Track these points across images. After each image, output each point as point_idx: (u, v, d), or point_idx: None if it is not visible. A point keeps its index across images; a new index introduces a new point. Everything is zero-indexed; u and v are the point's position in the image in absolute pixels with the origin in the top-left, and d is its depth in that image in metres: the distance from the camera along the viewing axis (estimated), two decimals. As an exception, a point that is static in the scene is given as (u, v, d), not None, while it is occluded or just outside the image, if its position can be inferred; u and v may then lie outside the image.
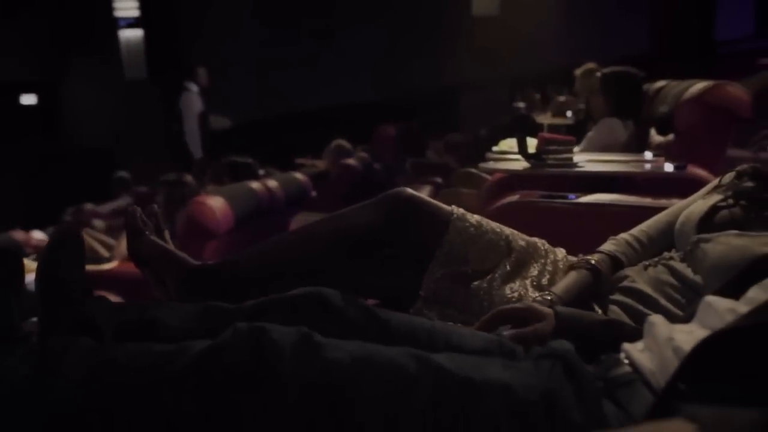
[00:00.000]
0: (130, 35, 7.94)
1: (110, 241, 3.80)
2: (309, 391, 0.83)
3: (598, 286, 1.34)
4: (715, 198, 1.30)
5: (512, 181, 2.54)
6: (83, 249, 1.17)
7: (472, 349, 0.99)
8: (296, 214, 4.63)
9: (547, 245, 1.44)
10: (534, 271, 1.38)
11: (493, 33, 7.83)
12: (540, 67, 7.58)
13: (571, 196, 1.98)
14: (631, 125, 3.04)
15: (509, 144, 2.73)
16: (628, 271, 1.33)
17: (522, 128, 3.88)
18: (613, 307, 1.30)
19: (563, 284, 1.33)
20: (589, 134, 3.06)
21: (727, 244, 1.17)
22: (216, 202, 3.23)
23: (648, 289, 1.26)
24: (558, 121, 3.51)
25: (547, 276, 1.38)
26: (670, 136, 2.82)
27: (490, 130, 5.47)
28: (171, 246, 1.41)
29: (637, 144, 2.98)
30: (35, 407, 0.87)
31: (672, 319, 1.23)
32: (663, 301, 1.23)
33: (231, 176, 4.10)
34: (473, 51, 7.83)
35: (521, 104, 4.74)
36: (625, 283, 1.30)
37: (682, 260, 1.27)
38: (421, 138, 5.50)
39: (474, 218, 1.42)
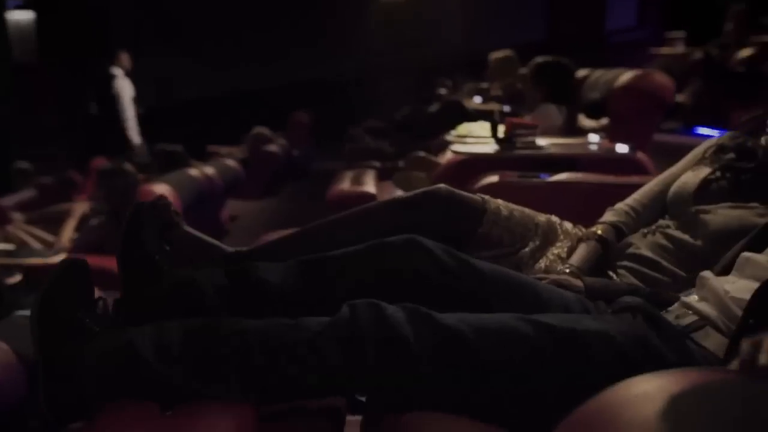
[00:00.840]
0: (20, 17, 7.47)
1: (41, 233, 3.64)
2: (438, 357, 0.94)
3: (607, 254, 1.48)
4: (705, 171, 1.47)
5: (473, 163, 2.70)
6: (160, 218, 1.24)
7: (558, 303, 1.12)
8: (227, 200, 4.62)
9: (558, 219, 1.59)
10: (557, 244, 1.52)
11: (398, 18, 8.01)
12: (444, 53, 7.85)
13: (543, 175, 2.16)
14: (565, 110, 3.28)
15: (468, 129, 2.90)
16: (631, 239, 1.48)
17: (454, 115, 4.07)
18: (622, 272, 1.47)
19: (578, 256, 1.46)
20: (528, 117, 3.27)
21: (726, 215, 1.36)
22: (164, 191, 3.19)
23: (652, 255, 1.41)
24: (489, 106, 3.71)
25: (566, 249, 1.52)
26: (603, 120, 3.08)
27: (410, 115, 5.63)
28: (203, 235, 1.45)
29: (569, 128, 3.23)
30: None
31: (677, 279, 1.42)
32: (666, 264, 1.40)
33: (164, 164, 4.03)
34: (380, 37, 7.97)
35: (443, 90, 4.94)
36: (631, 250, 1.45)
37: (678, 228, 1.43)
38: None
39: (500, 202, 1.53)
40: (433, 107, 4.53)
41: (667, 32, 6.37)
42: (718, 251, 1.29)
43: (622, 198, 1.68)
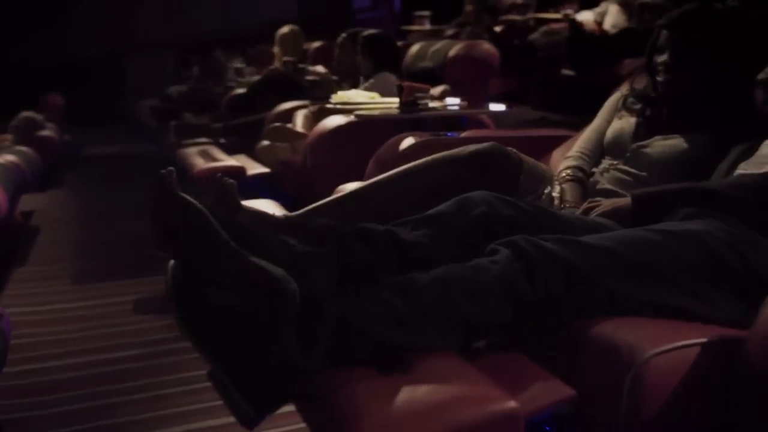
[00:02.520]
0: None
1: None
2: (599, 270, 1.14)
3: (585, 189, 1.81)
4: (632, 119, 1.84)
5: (352, 130, 2.88)
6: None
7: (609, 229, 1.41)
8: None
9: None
10: (556, 187, 1.81)
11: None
12: (200, 32, 7.68)
13: (450, 133, 2.44)
14: (396, 78, 3.60)
15: (348, 95, 3.04)
16: (594, 177, 1.81)
17: (282, 87, 4.14)
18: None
19: (572, 196, 1.77)
20: (365, 86, 3.52)
21: (662, 145, 1.73)
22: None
23: (614, 187, 1.74)
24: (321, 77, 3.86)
25: (558, 191, 1.81)
26: (441, 87, 3.46)
27: (186, 94, 5.52)
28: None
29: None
30: None
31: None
32: (628, 193, 1.65)
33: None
34: (130, 16, 7.51)
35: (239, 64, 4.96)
36: (598, 186, 1.77)
37: (625, 164, 1.76)
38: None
39: (522, 155, 1.74)
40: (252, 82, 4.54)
41: (415, 11, 7.05)
42: (662, 176, 1.65)
43: (522, 149, 2.01)
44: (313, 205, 1.57)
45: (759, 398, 0.98)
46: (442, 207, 1.35)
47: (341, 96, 2.98)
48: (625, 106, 1.90)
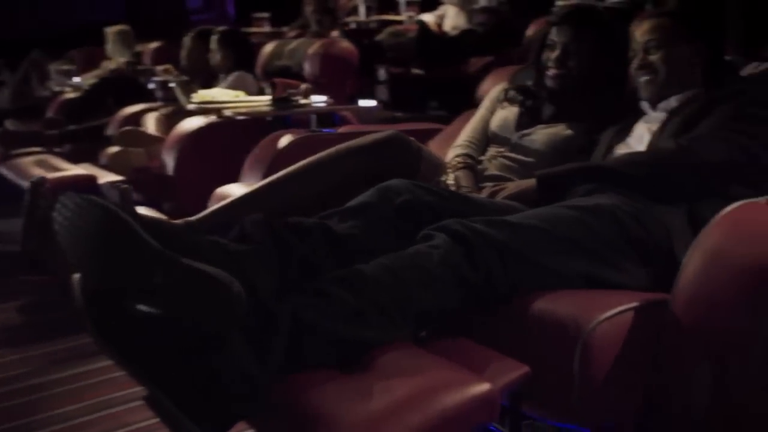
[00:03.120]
0: None
1: None
2: (528, 246, 1.18)
3: (476, 175, 1.88)
4: (514, 109, 1.95)
5: (217, 130, 2.76)
6: None
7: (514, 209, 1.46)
8: None
9: None
10: (449, 175, 1.84)
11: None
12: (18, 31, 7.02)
13: (326, 130, 2.41)
14: (252, 77, 3.50)
15: (211, 94, 2.88)
16: (483, 165, 1.89)
17: (126, 89, 3.88)
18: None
19: (466, 180, 1.83)
20: (222, 86, 3.38)
21: (545, 133, 1.85)
22: None
23: (503, 173, 1.84)
24: (171, 77, 3.65)
25: (452, 178, 1.85)
26: (304, 85, 3.40)
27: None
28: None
29: (259, 92, 3.47)
30: None
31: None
32: (515, 178, 1.80)
33: None
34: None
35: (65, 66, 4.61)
36: (487, 173, 1.86)
37: (512, 151, 1.87)
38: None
39: (420, 144, 1.75)
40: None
41: (254, 13, 6.91)
42: (546, 161, 1.77)
43: None
44: (214, 207, 1.48)
45: (684, 353, 1.05)
46: (363, 197, 1.32)
47: (203, 95, 2.84)
48: (506, 98, 1.99)
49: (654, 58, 1.70)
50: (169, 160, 2.84)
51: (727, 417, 1.01)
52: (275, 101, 2.50)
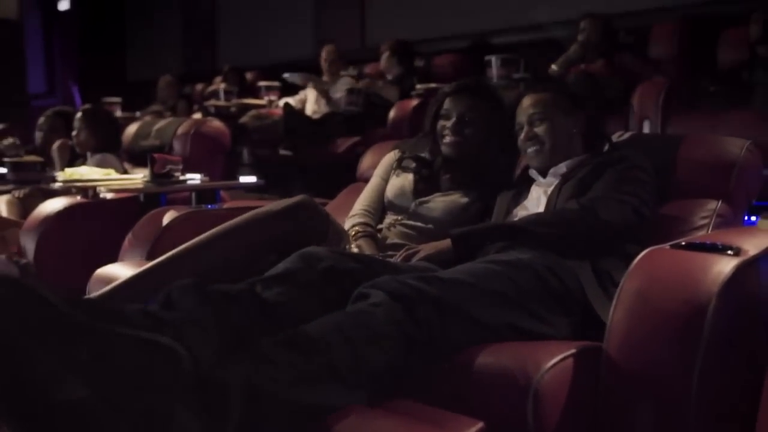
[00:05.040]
0: None
1: None
2: (459, 301, 1.19)
3: (378, 244, 1.89)
4: (409, 176, 2.00)
5: (84, 211, 2.57)
6: None
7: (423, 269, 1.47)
8: None
9: None
10: (352, 243, 1.82)
11: None
12: None
13: (210, 206, 2.32)
14: (115, 157, 3.34)
15: (79, 172, 2.66)
16: (383, 233, 1.92)
17: None
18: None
19: (369, 248, 1.84)
20: (85, 168, 3.18)
21: (442, 201, 1.92)
22: None
23: (402, 241, 1.87)
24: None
25: (354, 247, 1.83)
26: (170, 165, 3.27)
27: None
28: None
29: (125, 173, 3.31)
30: None
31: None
32: (415, 244, 1.82)
33: None
34: None
35: None
36: (388, 241, 1.89)
37: (410, 219, 1.91)
38: None
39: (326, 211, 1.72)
40: None
41: (103, 98, 6.68)
42: (445, 228, 1.83)
43: None
44: (119, 282, 1.36)
45: (623, 395, 1.10)
46: (287, 263, 1.28)
47: (71, 173, 2.64)
48: (401, 167, 2.03)
49: (539, 129, 1.82)
50: (29, 245, 2.59)
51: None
52: (155, 177, 2.39)
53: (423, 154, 2.06)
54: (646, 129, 3.34)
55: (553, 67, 3.89)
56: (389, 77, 4.81)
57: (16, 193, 3.11)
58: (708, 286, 1.11)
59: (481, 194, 1.92)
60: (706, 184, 1.83)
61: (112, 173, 2.74)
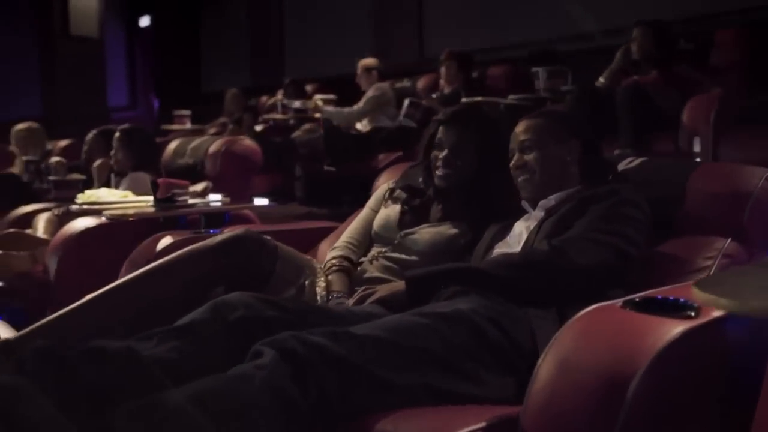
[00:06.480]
0: None
1: None
2: (371, 360, 1.09)
3: (351, 279, 1.78)
4: (397, 208, 1.90)
5: (104, 232, 2.62)
6: None
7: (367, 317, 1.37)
8: None
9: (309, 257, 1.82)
10: (320, 278, 1.74)
11: None
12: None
13: (213, 230, 2.31)
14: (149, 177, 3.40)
15: (97, 194, 2.75)
16: (362, 267, 1.81)
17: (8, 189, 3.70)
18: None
19: (338, 285, 1.74)
20: (122, 186, 3.27)
21: (428, 232, 1.81)
22: None
23: (383, 275, 1.76)
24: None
25: (323, 281, 1.76)
26: (203, 184, 3.31)
27: None
28: None
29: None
30: None
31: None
32: (396, 279, 1.72)
33: None
34: None
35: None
36: (366, 276, 1.78)
37: (394, 251, 1.80)
38: None
39: (279, 244, 1.67)
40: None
41: (175, 111, 6.90)
42: (428, 262, 1.73)
43: (288, 243, 1.96)
44: (39, 323, 1.35)
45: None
46: (194, 314, 1.22)
47: (89, 195, 2.71)
48: (391, 197, 1.95)
49: (529, 158, 1.69)
50: (52, 264, 2.67)
51: None
52: (157, 202, 2.40)
53: (416, 184, 1.96)
54: (696, 147, 3.08)
55: (601, 79, 3.68)
56: (447, 90, 4.68)
57: (56, 211, 3.21)
58: (637, 355, 0.97)
59: (472, 226, 1.80)
60: (716, 219, 1.65)
61: (130, 195, 2.78)
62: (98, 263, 2.67)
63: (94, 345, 1.07)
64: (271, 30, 7.74)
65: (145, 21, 8.99)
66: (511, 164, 1.72)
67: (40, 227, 3.14)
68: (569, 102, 3.59)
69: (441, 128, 1.84)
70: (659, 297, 1.14)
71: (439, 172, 1.83)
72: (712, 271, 1.55)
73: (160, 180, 2.51)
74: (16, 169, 4.60)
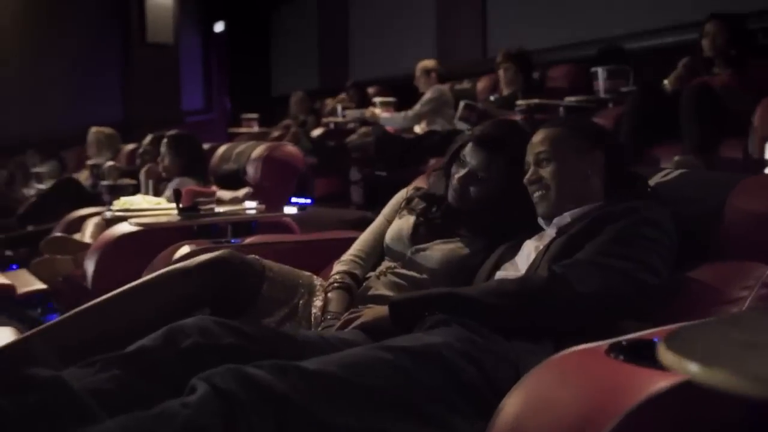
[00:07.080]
0: None
1: None
2: (317, 399, 1.00)
3: (352, 297, 1.68)
4: (411, 219, 1.77)
5: (139, 238, 2.63)
6: None
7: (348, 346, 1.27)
8: None
9: (310, 274, 1.72)
10: (319, 296, 1.65)
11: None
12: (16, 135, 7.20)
13: (234, 240, 2.27)
14: (195, 182, 3.41)
15: (131, 201, 2.78)
16: (368, 282, 1.70)
17: (68, 194, 3.82)
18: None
19: (334, 305, 1.62)
20: (166, 194, 3.30)
21: (441, 249, 1.68)
22: None
23: (390, 292, 1.63)
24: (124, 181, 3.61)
25: (321, 300, 1.66)
26: (244, 190, 3.30)
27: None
28: None
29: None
30: None
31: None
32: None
33: None
34: None
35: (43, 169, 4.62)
36: (371, 292, 1.66)
37: (403, 267, 1.68)
38: None
39: (268, 263, 1.60)
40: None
41: (243, 114, 7.00)
42: (441, 280, 1.61)
43: (311, 253, 1.86)
44: (21, 336, 1.33)
45: None
46: (146, 340, 1.15)
47: (123, 202, 2.74)
48: (407, 206, 1.83)
49: (545, 171, 1.54)
50: (89, 269, 2.70)
51: None
52: (180, 211, 2.38)
53: (440, 191, 1.82)
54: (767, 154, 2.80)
55: (665, 82, 3.41)
56: (505, 92, 4.50)
57: (104, 215, 3.27)
58: (612, 408, 0.83)
59: (487, 245, 1.67)
60: (758, 242, 1.45)
61: (162, 203, 2.79)
62: (132, 269, 2.68)
63: (26, 372, 1.03)
64: (337, 32, 7.74)
65: (219, 26, 9.19)
66: (525, 178, 1.57)
67: (88, 232, 3.21)
68: (628, 103, 3.35)
69: (468, 146, 1.71)
70: (655, 339, 0.99)
71: (453, 190, 1.71)
72: (746, 304, 1.36)
73: (184, 189, 2.49)
74: (85, 172, 4.76)
